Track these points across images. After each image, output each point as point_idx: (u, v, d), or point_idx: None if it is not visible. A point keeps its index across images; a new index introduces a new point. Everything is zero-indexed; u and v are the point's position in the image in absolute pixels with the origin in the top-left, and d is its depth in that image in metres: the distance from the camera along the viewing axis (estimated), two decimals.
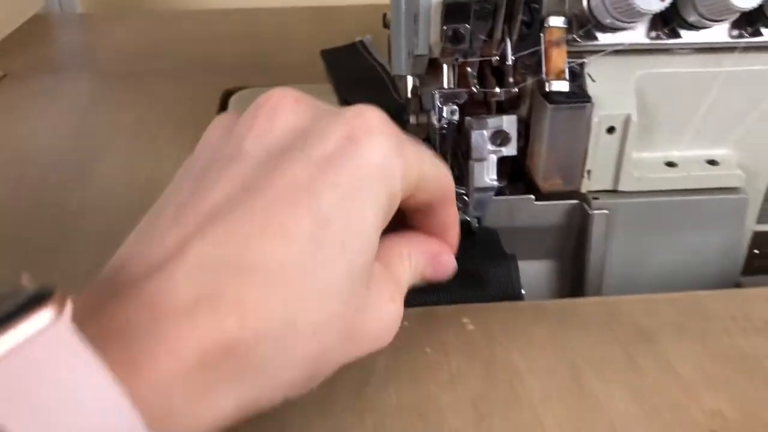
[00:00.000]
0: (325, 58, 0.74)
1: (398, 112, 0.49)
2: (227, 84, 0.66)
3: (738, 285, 0.48)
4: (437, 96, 0.42)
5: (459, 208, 0.42)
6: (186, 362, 0.20)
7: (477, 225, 0.42)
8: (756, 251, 0.48)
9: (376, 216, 0.24)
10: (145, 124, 0.59)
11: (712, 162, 0.44)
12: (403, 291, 0.28)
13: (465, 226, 0.42)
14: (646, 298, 0.36)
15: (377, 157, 0.24)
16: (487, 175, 0.42)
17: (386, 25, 0.51)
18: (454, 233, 0.31)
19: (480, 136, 0.41)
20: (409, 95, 0.46)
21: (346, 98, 0.62)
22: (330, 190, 0.23)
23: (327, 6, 0.93)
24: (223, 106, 0.62)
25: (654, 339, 0.33)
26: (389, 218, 0.25)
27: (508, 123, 0.42)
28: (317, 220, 0.22)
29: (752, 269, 0.49)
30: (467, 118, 0.42)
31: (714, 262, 0.45)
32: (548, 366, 0.32)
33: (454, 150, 0.44)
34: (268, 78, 0.68)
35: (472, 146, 0.41)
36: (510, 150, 0.42)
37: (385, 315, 0.26)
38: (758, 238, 0.48)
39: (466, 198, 0.42)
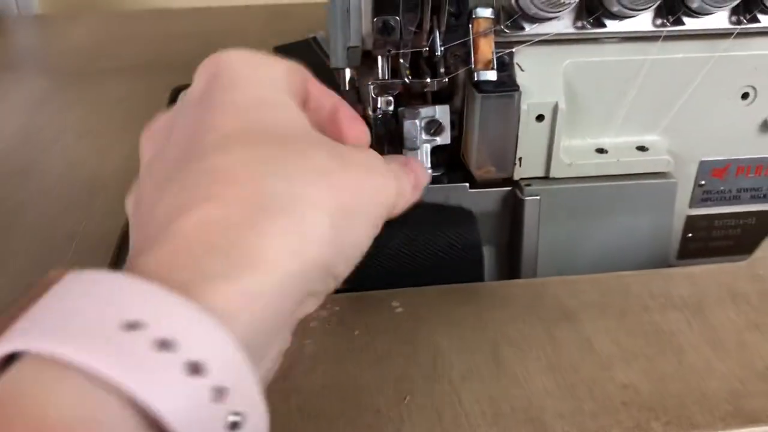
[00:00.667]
0: (278, 54, 0.75)
1: None
2: (177, 81, 0.66)
3: (671, 266, 0.49)
4: (371, 87, 0.43)
5: None
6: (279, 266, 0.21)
7: None
8: (690, 235, 0.50)
9: (290, 104, 0.25)
10: (91, 122, 0.59)
11: (641, 148, 0.45)
12: None
13: None
14: (572, 279, 0.38)
15: (245, 68, 0.26)
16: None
17: None
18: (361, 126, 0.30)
19: (412, 126, 0.42)
20: (347, 87, 0.47)
21: None
22: (231, 106, 0.24)
23: (281, 4, 0.93)
24: (172, 102, 0.62)
25: (575, 317, 0.35)
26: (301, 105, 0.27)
27: (441, 112, 0.43)
28: (243, 123, 0.23)
29: (687, 253, 0.50)
30: (401, 108, 0.43)
31: (646, 245, 0.46)
32: (470, 344, 0.33)
33: (391, 140, 0.45)
34: None
35: (404, 136, 0.42)
36: (444, 139, 0.43)
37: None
38: (691, 222, 0.49)
39: None
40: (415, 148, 0.42)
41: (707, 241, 0.50)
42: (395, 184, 0.27)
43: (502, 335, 0.34)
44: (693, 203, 0.48)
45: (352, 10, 0.41)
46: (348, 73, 0.47)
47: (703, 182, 0.48)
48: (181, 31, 0.83)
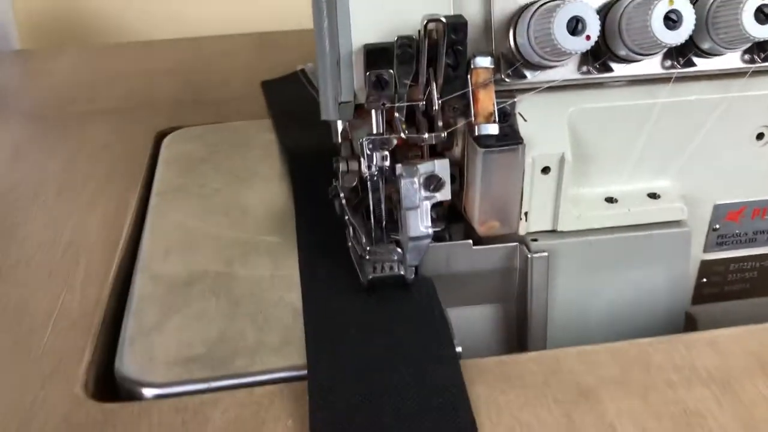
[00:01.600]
0: (266, 89, 0.72)
1: (332, 151, 0.47)
2: (161, 124, 0.64)
3: (688, 315, 0.47)
4: (366, 143, 0.40)
5: (394, 260, 0.41)
6: None
7: (413, 276, 0.40)
8: (704, 280, 0.47)
9: None
10: (71, 173, 0.56)
11: (653, 195, 0.43)
12: None
13: (399, 279, 0.40)
14: (587, 351, 0.35)
15: None
16: (421, 223, 0.40)
17: None
18: None
19: (410, 185, 0.39)
20: (339, 140, 0.44)
21: (283, 134, 0.61)
22: None
23: (269, 32, 0.90)
24: (156, 149, 0.59)
25: (594, 397, 0.32)
26: None
27: (440, 167, 0.40)
28: None
29: (702, 298, 0.48)
30: (398, 165, 0.40)
31: (662, 296, 0.44)
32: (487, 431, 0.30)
33: (389, 195, 0.42)
34: (206, 115, 0.66)
35: (402, 195, 0.39)
36: (444, 195, 0.40)
37: None
38: (706, 267, 0.47)
39: (400, 249, 0.40)
40: (414, 207, 0.40)
41: (723, 285, 0.48)
42: None
43: (518, 420, 0.31)
44: (707, 248, 0.46)
45: (343, 62, 0.39)
46: (340, 124, 0.44)
47: (717, 226, 0.45)
48: (168, 65, 0.81)
